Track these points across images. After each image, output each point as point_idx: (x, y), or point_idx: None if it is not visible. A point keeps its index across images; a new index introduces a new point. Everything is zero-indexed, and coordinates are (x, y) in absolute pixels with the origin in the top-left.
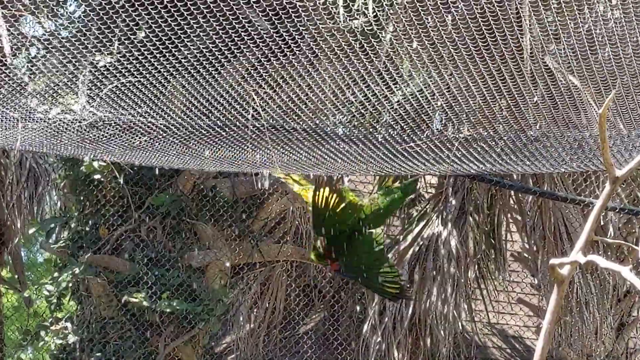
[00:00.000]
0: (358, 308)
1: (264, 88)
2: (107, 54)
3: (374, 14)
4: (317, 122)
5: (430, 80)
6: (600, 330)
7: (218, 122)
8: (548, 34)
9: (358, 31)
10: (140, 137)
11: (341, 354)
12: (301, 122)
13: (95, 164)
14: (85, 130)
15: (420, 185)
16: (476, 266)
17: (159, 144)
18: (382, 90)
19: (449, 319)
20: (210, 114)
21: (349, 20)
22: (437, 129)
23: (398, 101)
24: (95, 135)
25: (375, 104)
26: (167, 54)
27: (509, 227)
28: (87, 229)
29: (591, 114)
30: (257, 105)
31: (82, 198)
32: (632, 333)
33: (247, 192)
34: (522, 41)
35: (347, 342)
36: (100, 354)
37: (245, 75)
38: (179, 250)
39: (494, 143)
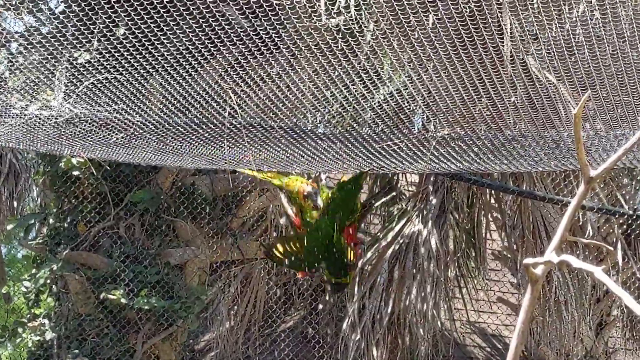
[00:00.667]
0: (337, 306)
1: (241, 86)
2: (85, 50)
3: (355, 12)
4: (295, 120)
5: (410, 80)
6: (579, 330)
7: (195, 119)
8: (527, 34)
9: (336, 30)
10: (117, 134)
11: (319, 352)
12: (279, 120)
13: (74, 160)
14: (62, 127)
15: (401, 183)
16: (456, 265)
17: (136, 140)
18: (362, 89)
19: (428, 317)
20: (187, 112)
21: (329, 18)
22: (417, 128)
23: (377, 100)
24: (72, 132)
25: (354, 102)
26: (144, 51)
27: (489, 225)
28: (66, 225)
29: (570, 114)
30: (234, 103)
31: (60, 194)
32: (611, 332)
33: (226, 190)
34: (502, 41)
35: (326, 340)
36: (77, 350)
37: (224, 73)
38: (158, 247)
39: (472, 142)
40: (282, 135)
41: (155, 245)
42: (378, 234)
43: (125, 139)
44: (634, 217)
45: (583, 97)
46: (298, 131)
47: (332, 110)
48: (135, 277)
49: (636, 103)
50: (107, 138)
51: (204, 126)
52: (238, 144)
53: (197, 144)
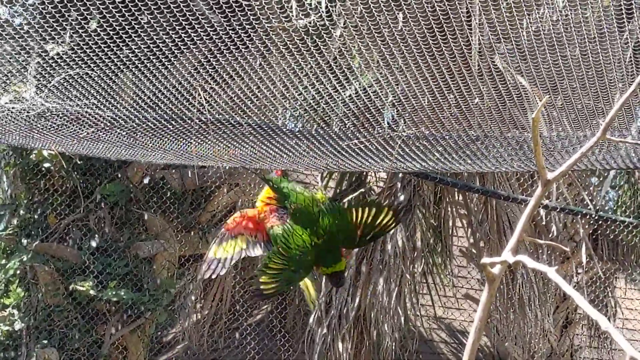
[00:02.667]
0: (304, 300)
1: (209, 83)
2: (58, 44)
3: (326, 9)
4: (264, 117)
5: (377, 79)
6: (541, 327)
7: (165, 115)
8: (497, 33)
9: (304, 30)
10: (87, 128)
11: (285, 346)
12: (246, 117)
13: (45, 152)
14: (33, 120)
15: (370, 179)
16: (423, 261)
17: (106, 135)
18: (328, 87)
19: (392, 313)
20: (157, 107)
21: (301, 15)
22: (384, 127)
23: (344, 98)
24: (43, 126)
25: (321, 100)
26: (115, 47)
27: (455, 222)
28: (36, 217)
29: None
30: (202, 100)
31: (31, 186)
32: (576, 330)
33: (196, 184)
34: (471, 40)
35: (292, 334)
36: (46, 341)
37: (194, 69)
38: (127, 240)
39: (436, 142)
40: (250, 132)
41: (125, 238)
42: None
43: (96, 134)
44: (596, 217)
45: (542, 101)
46: (266, 128)
47: (300, 107)
48: (105, 269)
49: (597, 106)
50: (78, 132)
51: (173, 122)
52: (206, 140)
53: (166, 139)
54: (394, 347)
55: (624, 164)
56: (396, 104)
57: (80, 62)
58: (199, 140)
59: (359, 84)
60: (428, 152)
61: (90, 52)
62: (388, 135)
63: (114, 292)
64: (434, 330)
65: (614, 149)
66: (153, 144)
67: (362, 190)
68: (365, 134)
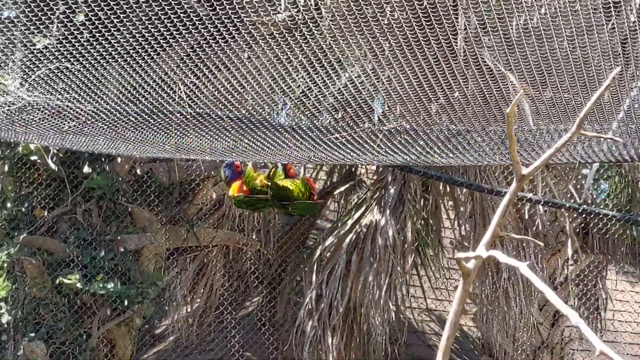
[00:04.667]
0: (295, 292)
1: (190, 77)
2: (45, 36)
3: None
4: (245, 110)
5: (364, 70)
6: (526, 320)
7: (146, 108)
8: (485, 25)
9: (284, 22)
10: (69, 122)
11: (277, 338)
12: (227, 110)
13: (32, 145)
14: (14, 114)
15: (361, 171)
16: (414, 253)
17: (88, 129)
18: (315, 79)
19: (381, 305)
20: (138, 101)
21: (276, 14)
22: (374, 120)
23: (329, 91)
24: (25, 120)
25: (306, 93)
26: (99, 40)
27: (448, 215)
28: (23, 210)
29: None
30: (182, 93)
31: (18, 179)
32: (568, 322)
33: (183, 177)
34: (458, 30)
35: (282, 326)
36: (33, 334)
37: (177, 62)
38: (114, 233)
39: (418, 135)
40: (231, 126)
41: (112, 231)
42: (337, 222)
43: (78, 127)
44: (580, 210)
45: (516, 97)
46: (246, 121)
47: (285, 100)
48: (91, 262)
49: (577, 100)
50: (60, 126)
51: (154, 115)
52: (188, 133)
53: (148, 132)
54: (383, 339)
55: (605, 157)
56: (384, 96)
57: (60, 56)
58: (181, 134)
59: (346, 76)
60: (410, 145)
61: (71, 45)
62: (376, 129)
63: (100, 285)
64: (425, 322)
65: (595, 142)
66: (135, 137)
67: (352, 182)
68: (350, 127)
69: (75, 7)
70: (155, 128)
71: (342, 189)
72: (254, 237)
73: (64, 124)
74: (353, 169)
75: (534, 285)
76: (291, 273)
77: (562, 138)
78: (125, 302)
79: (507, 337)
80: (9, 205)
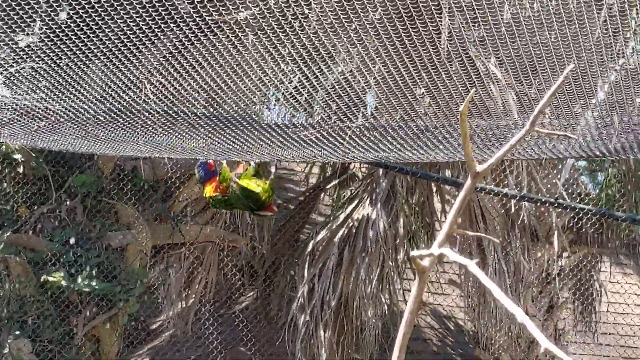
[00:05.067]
0: (289, 287)
1: (158, 75)
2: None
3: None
4: (212, 109)
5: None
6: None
7: (114, 108)
8: (467, 18)
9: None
10: (38, 122)
11: (272, 333)
12: (195, 108)
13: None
14: None
15: (354, 165)
16: (405, 247)
17: (59, 128)
18: (278, 74)
19: (372, 299)
20: (105, 100)
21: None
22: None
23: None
24: None
25: (272, 88)
26: (81, 38)
27: (445, 208)
28: (8, 208)
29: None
30: (148, 92)
31: (2, 177)
32: (562, 315)
33: (167, 174)
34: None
35: (276, 321)
36: (19, 332)
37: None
38: (99, 231)
39: (387, 132)
40: (200, 124)
41: (97, 228)
42: (330, 216)
43: (48, 127)
44: (556, 205)
45: (469, 94)
46: (214, 119)
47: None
48: (76, 260)
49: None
50: (29, 126)
51: (123, 115)
52: (158, 132)
53: (118, 131)
54: (376, 333)
55: (576, 152)
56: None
57: (26, 57)
58: (149, 132)
59: (331, 73)
60: (379, 142)
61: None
62: (338, 127)
63: (85, 283)
64: (419, 315)
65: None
66: (106, 136)
67: (345, 176)
68: (316, 125)
69: (57, 6)
70: (123, 126)
71: (335, 182)
72: (247, 232)
73: (33, 124)
74: (346, 164)
75: (548, 274)
76: (285, 268)
77: (515, 135)
78: (110, 300)
79: (499, 329)
80: None
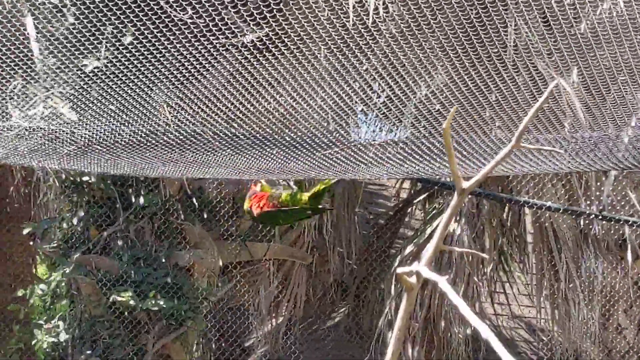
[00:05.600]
0: (378, 302)
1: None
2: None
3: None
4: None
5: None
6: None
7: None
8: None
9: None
10: (67, 146)
11: (364, 349)
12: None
13: None
14: (14, 140)
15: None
16: (493, 260)
17: (88, 152)
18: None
19: (459, 315)
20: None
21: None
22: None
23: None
24: (27, 145)
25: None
26: (149, 59)
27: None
28: (79, 229)
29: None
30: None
31: (73, 199)
32: None
33: (233, 192)
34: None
35: (368, 337)
36: (90, 352)
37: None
38: (166, 250)
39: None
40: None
41: (164, 247)
42: (418, 231)
43: (77, 151)
44: (600, 217)
45: (451, 111)
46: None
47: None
48: (144, 279)
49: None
50: (59, 150)
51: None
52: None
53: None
54: (464, 349)
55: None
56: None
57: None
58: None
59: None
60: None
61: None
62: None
63: (153, 302)
64: (514, 329)
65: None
66: (136, 158)
67: (432, 190)
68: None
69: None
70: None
71: (422, 197)
72: (337, 248)
73: (63, 149)
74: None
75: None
76: (376, 283)
77: (501, 152)
78: (178, 319)
79: (594, 344)
80: (65, 225)
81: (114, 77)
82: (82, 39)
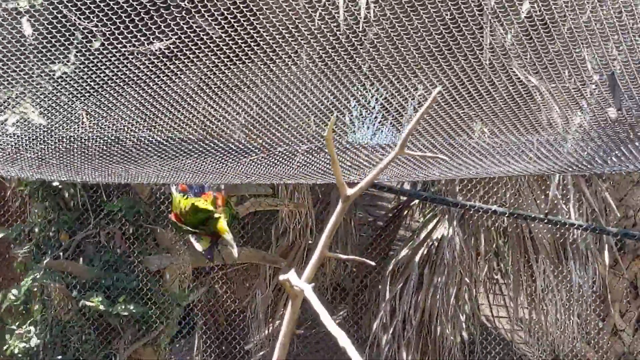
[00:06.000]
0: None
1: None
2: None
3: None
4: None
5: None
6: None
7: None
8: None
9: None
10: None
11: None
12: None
13: None
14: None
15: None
16: (491, 263)
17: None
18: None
19: (451, 318)
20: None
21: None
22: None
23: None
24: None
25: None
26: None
27: None
28: (50, 234)
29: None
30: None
31: (45, 205)
32: None
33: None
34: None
35: (363, 341)
36: (60, 357)
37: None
38: (137, 255)
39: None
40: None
41: (135, 252)
42: (414, 234)
43: (38, 158)
44: (545, 221)
45: (331, 120)
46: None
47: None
48: (114, 284)
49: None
50: (21, 156)
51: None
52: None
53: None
54: (459, 354)
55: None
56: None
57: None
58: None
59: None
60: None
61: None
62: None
63: (123, 307)
64: (514, 331)
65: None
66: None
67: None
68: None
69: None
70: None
71: (417, 200)
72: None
73: (23, 155)
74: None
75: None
76: (373, 285)
77: (385, 159)
78: (149, 323)
79: (589, 345)
80: (36, 230)
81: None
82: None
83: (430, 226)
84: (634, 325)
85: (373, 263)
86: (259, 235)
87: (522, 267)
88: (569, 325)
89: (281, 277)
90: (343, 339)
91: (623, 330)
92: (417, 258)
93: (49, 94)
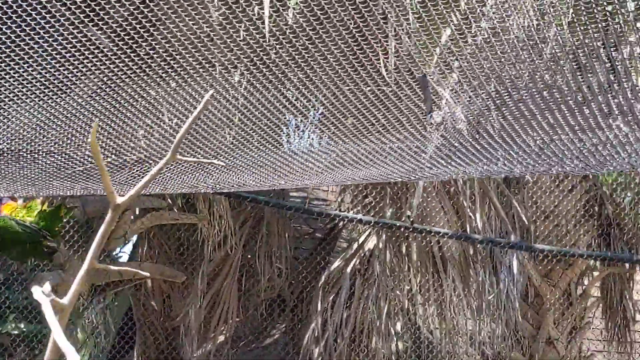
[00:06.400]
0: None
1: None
2: None
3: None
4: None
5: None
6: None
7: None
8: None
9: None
10: None
11: None
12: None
13: None
14: None
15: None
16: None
17: None
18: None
19: (382, 330)
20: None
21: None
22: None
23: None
24: None
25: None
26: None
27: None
28: None
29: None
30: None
31: None
32: (586, 336)
33: (98, 211)
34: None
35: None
36: None
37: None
38: (29, 272)
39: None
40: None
41: (28, 269)
42: (348, 245)
43: None
44: (411, 229)
45: (94, 126)
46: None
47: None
48: (5, 302)
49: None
50: None
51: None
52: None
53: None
54: None
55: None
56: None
57: None
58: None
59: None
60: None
61: None
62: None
63: (13, 325)
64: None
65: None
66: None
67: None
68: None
69: None
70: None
71: (352, 212)
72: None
73: None
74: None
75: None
76: (309, 298)
77: (156, 166)
78: (41, 342)
79: (522, 352)
80: None
81: None
82: None
83: (362, 238)
84: (567, 335)
85: (147, 274)
86: (176, 248)
87: (458, 278)
88: (502, 334)
89: (34, 290)
90: (72, 356)
91: (557, 340)
92: (348, 269)
93: None
